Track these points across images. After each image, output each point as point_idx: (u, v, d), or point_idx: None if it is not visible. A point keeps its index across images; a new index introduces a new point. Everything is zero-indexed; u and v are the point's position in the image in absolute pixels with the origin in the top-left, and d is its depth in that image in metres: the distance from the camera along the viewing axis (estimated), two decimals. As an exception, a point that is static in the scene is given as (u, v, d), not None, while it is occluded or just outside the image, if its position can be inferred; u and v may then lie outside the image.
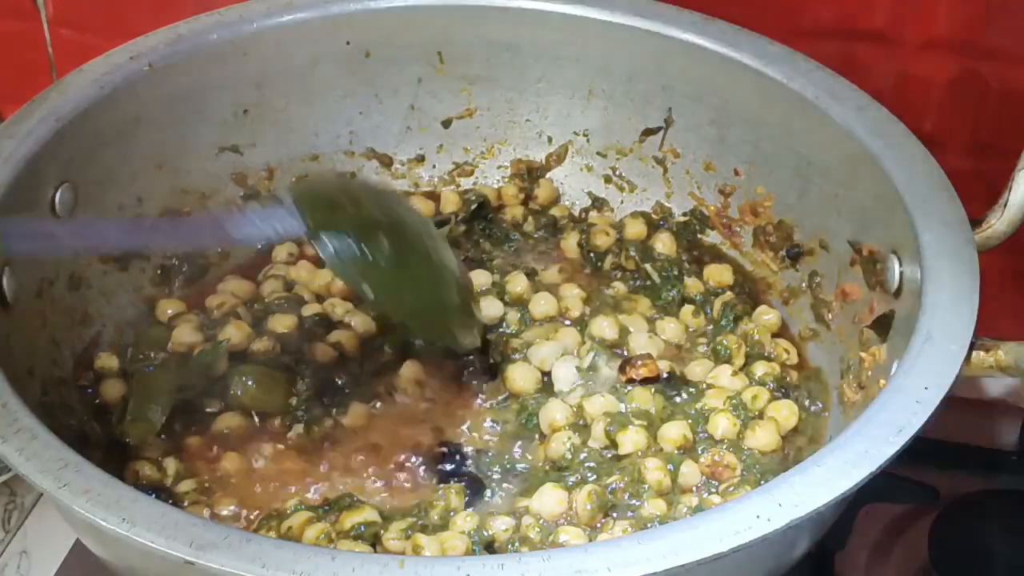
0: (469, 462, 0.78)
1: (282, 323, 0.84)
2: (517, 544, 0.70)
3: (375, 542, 0.70)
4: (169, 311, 0.87)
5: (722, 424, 0.77)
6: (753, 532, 0.56)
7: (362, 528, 0.70)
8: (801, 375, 0.84)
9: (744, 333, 0.85)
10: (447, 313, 0.78)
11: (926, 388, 0.63)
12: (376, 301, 0.75)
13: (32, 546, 0.92)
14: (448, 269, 0.79)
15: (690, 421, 0.78)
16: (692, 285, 0.89)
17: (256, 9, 0.90)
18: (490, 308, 0.86)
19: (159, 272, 0.89)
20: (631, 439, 0.76)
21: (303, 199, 0.73)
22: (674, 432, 0.77)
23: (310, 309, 0.86)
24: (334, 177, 0.81)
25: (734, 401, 0.79)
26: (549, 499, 0.72)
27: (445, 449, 0.78)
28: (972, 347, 0.66)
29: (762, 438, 0.77)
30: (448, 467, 0.77)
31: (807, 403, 0.81)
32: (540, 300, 0.87)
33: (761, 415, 0.79)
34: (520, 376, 0.82)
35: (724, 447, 0.77)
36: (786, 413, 0.79)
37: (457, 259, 0.82)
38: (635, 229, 0.93)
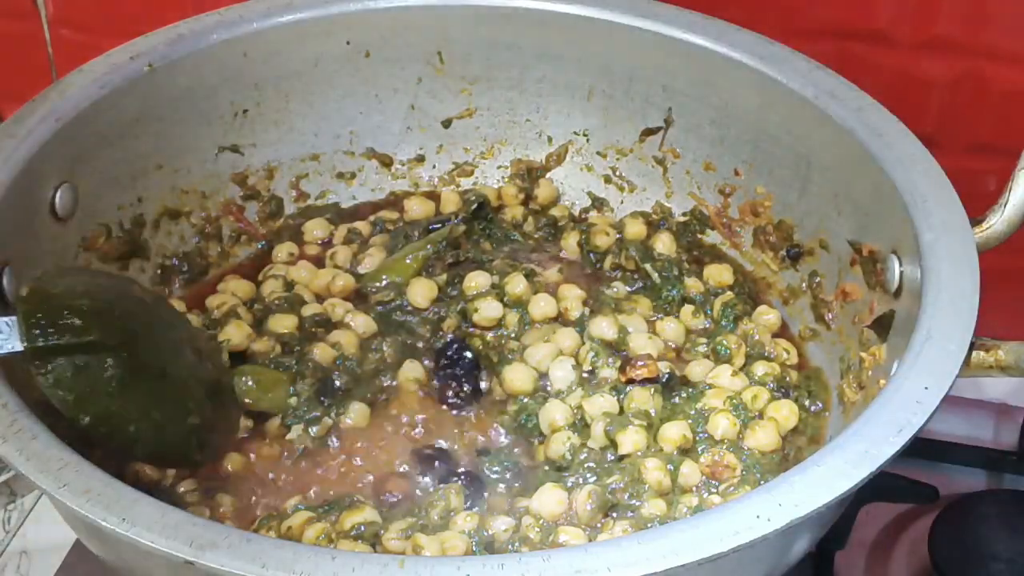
0: (460, 466, 0.77)
1: (282, 323, 0.84)
2: (517, 544, 0.70)
3: (375, 542, 0.70)
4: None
5: (722, 424, 0.77)
6: (753, 532, 0.56)
7: (362, 528, 0.70)
8: (801, 375, 0.84)
9: (744, 333, 0.85)
10: (179, 434, 0.73)
11: (926, 388, 0.63)
12: (92, 427, 0.67)
13: (32, 546, 0.92)
14: (194, 384, 0.74)
15: (690, 421, 0.78)
16: (692, 285, 0.89)
17: (256, 9, 0.90)
18: (489, 309, 0.86)
19: (159, 272, 0.89)
20: (631, 439, 0.76)
21: (28, 313, 0.66)
22: (674, 432, 0.77)
23: (310, 309, 0.86)
24: (80, 279, 0.73)
25: (734, 401, 0.79)
26: (549, 499, 0.72)
27: (431, 452, 0.78)
28: (972, 347, 0.66)
29: (762, 438, 0.77)
30: (440, 470, 0.77)
31: (807, 403, 0.81)
32: (540, 301, 0.87)
33: (761, 415, 0.79)
34: (517, 377, 0.82)
35: (724, 447, 0.77)
36: (786, 413, 0.79)
37: (219, 362, 0.79)
38: (635, 229, 0.93)
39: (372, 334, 0.85)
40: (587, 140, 0.97)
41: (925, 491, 0.90)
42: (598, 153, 0.97)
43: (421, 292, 0.87)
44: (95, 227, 0.83)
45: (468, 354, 0.83)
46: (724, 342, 0.84)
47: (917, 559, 0.90)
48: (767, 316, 0.87)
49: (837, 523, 0.73)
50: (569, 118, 0.97)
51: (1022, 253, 0.80)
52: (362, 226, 0.95)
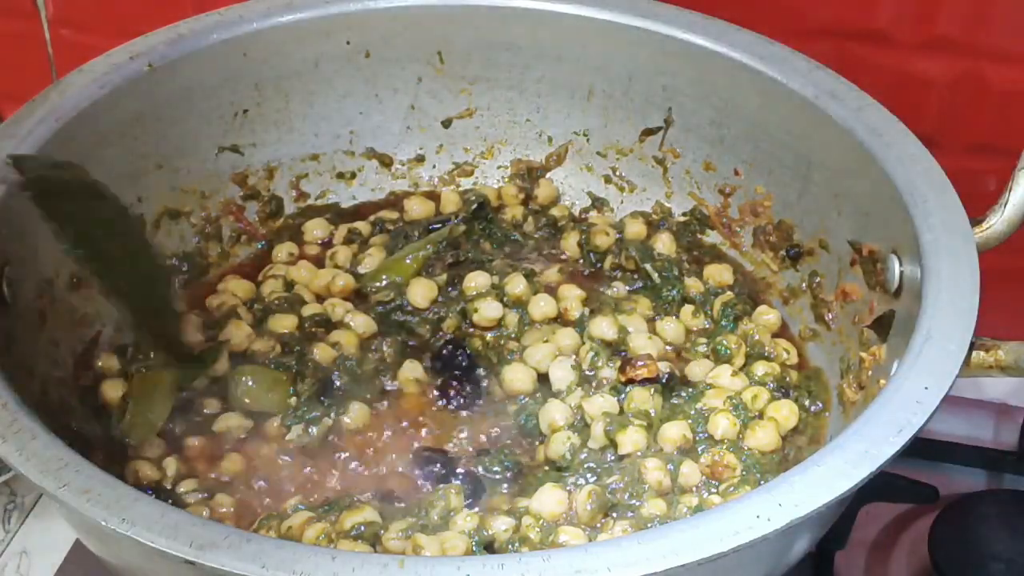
0: (460, 466, 0.77)
1: (282, 323, 0.84)
2: (517, 544, 0.70)
3: (375, 542, 0.70)
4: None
5: (722, 424, 0.77)
6: (753, 532, 0.56)
7: (362, 528, 0.70)
8: (801, 375, 0.84)
9: (744, 333, 0.85)
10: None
11: (926, 388, 0.63)
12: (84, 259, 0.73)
13: (32, 546, 0.92)
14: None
15: (690, 421, 0.78)
16: (692, 285, 0.89)
17: (256, 9, 0.90)
18: (489, 309, 0.86)
19: (159, 272, 0.89)
20: (631, 439, 0.76)
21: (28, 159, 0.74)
22: (674, 432, 0.77)
23: (310, 309, 0.86)
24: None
25: (734, 401, 0.79)
26: (549, 499, 0.72)
27: (431, 452, 0.78)
28: (972, 347, 0.66)
29: (762, 438, 0.77)
30: (440, 470, 0.77)
31: (807, 403, 0.81)
32: (539, 301, 0.87)
33: (761, 415, 0.79)
34: (516, 377, 0.82)
35: (724, 447, 0.77)
36: (786, 413, 0.79)
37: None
38: (635, 229, 0.93)
39: (372, 334, 0.85)
40: (587, 140, 0.97)
41: (925, 491, 0.90)
42: (598, 153, 0.97)
43: (421, 292, 0.87)
44: (95, 227, 0.83)
45: (464, 354, 0.83)
46: (724, 342, 0.84)
47: (917, 559, 0.90)
48: (767, 316, 0.87)
49: (837, 523, 0.73)
50: (569, 118, 0.97)
51: (1022, 253, 0.80)
52: (362, 226, 0.94)
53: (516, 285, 0.87)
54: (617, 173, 0.97)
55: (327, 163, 0.97)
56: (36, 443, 0.61)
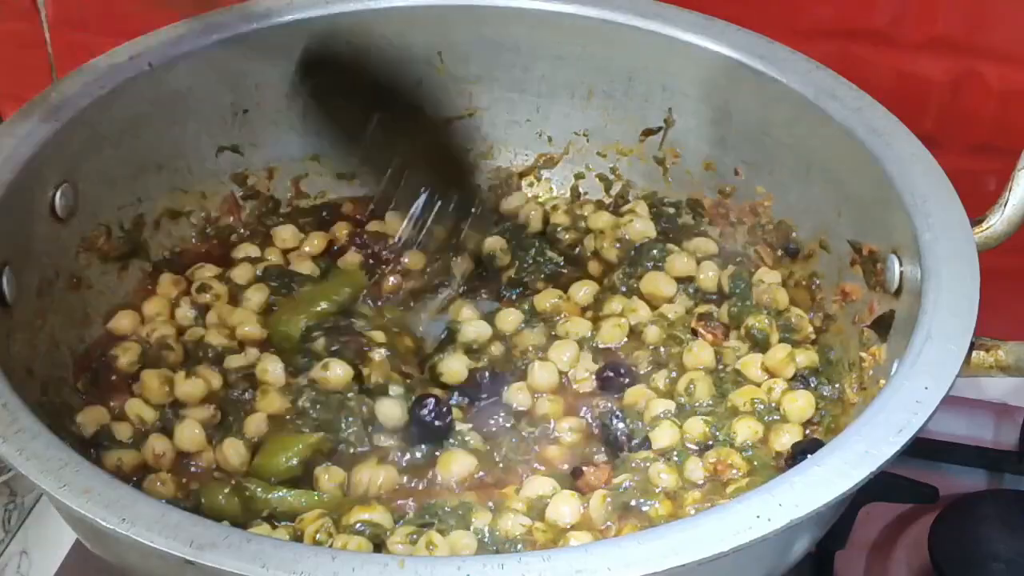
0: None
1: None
2: (520, 547, 0.70)
3: (378, 543, 0.69)
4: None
5: (743, 432, 0.77)
6: (753, 532, 0.56)
7: (362, 527, 0.70)
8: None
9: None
10: None
11: (926, 388, 0.63)
12: None
13: (32, 546, 0.92)
14: None
15: (710, 422, 0.78)
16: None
17: (256, 9, 0.89)
18: (455, 365, 0.83)
19: (158, 272, 0.89)
20: (666, 434, 0.77)
21: None
22: (695, 428, 0.77)
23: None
24: None
25: (756, 402, 0.79)
26: (565, 508, 0.72)
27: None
28: (972, 347, 0.66)
29: (786, 443, 0.76)
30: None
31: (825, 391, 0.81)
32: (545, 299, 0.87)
33: (778, 407, 0.79)
34: (541, 376, 0.82)
35: (732, 447, 0.76)
36: (802, 404, 0.78)
37: None
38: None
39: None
40: (587, 140, 0.97)
41: (925, 491, 0.90)
42: (598, 153, 0.97)
43: None
44: (95, 227, 0.83)
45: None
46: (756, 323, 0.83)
47: (917, 559, 0.90)
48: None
49: (837, 523, 0.73)
50: (569, 118, 0.97)
51: (1022, 253, 0.80)
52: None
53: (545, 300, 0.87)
54: (617, 173, 0.97)
55: (327, 163, 0.97)
56: (36, 443, 0.61)
